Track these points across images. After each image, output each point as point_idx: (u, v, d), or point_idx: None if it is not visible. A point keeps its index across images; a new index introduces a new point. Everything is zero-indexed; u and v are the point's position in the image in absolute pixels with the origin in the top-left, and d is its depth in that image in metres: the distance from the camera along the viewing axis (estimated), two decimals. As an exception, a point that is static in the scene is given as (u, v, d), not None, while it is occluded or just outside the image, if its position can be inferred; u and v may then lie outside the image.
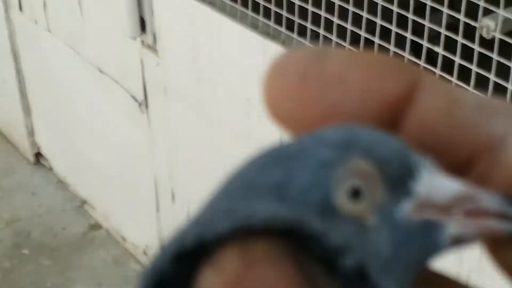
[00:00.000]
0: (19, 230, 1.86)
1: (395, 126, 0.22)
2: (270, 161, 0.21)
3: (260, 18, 1.15)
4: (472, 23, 0.88)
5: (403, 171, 0.21)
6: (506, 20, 0.86)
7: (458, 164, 0.22)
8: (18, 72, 1.90)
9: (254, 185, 0.20)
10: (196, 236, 0.19)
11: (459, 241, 0.21)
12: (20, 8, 1.77)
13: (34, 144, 2.01)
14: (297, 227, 0.19)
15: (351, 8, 1.01)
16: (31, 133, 2.00)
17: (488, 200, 0.21)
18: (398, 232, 0.21)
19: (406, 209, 0.21)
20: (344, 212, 0.20)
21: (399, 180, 0.21)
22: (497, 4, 0.86)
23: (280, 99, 0.22)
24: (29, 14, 1.75)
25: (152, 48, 1.41)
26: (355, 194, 0.20)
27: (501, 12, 0.86)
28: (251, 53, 1.19)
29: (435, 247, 0.21)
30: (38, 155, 2.02)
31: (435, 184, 0.21)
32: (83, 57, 1.64)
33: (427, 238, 0.21)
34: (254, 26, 1.18)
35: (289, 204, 0.20)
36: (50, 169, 2.00)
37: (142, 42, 1.43)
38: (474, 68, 0.90)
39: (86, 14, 1.57)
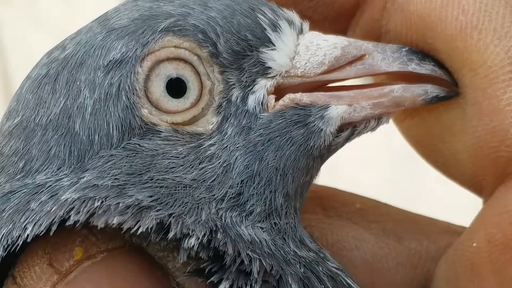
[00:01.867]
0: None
1: None
2: (46, 84, 0.16)
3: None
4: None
5: (250, 39, 0.14)
6: None
7: (344, 15, 0.17)
8: (5, 67, 1.86)
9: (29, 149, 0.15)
10: None
11: (351, 127, 0.15)
12: None
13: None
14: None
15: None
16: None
17: (383, 56, 0.15)
18: (254, 130, 0.15)
19: (263, 94, 0.15)
20: (162, 123, 0.15)
21: (245, 54, 0.14)
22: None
23: None
24: (16, 6, 1.71)
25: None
26: (177, 88, 0.14)
27: None
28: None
29: (314, 140, 0.15)
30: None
31: (306, 47, 0.15)
32: (73, 53, 1.58)
33: (300, 129, 0.15)
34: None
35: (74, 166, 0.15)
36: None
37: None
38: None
39: (77, 8, 1.52)
